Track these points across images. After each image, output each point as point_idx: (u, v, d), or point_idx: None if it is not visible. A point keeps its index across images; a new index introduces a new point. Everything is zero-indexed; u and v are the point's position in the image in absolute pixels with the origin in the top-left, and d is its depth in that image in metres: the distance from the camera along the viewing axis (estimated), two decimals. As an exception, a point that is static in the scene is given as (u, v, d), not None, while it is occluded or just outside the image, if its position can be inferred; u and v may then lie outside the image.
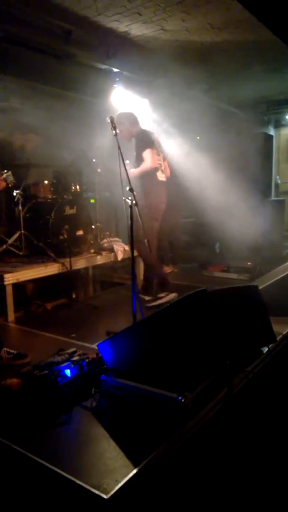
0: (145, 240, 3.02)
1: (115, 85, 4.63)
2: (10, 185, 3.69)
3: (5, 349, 2.52)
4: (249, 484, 1.89)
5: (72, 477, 1.50)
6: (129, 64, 4.63)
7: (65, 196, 4.14)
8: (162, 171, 3.81)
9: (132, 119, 3.77)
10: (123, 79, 4.67)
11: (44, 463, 1.58)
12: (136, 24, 4.01)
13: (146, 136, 3.73)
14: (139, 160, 3.68)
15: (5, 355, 2.50)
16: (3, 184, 3.47)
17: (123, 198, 2.65)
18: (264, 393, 2.33)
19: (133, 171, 3.56)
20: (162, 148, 3.94)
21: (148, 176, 3.63)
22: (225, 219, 4.29)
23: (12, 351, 2.52)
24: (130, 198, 2.61)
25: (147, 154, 3.63)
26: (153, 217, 3.63)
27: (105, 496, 1.40)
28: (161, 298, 3.53)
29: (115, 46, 4.37)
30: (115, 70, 4.60)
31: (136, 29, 4.12)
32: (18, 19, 3.73)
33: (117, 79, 4.63)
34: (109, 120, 2.73)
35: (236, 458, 1.99)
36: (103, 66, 4.50)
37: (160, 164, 3.80)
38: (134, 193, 2.64)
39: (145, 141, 3.69)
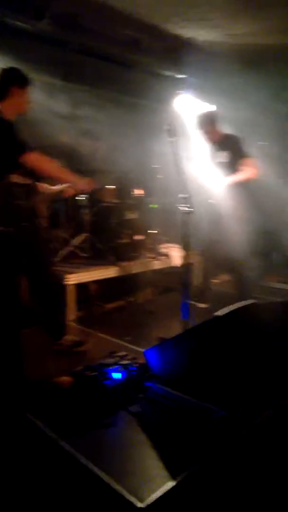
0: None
1: (179, 91, 4.63)
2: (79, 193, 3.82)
3: (65, 336, 2.78)
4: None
5: (110, 480, 1.53)
6: (195, 70, 4.62)
7: (127, 201, 4.23)
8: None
9: (216, 120, 3.76)
10: (189, 85, 4.67)
11: (85, 462, 1.63)
12: (203, 30, 4.01)
13: (241, 141, 3.69)
14: (233, 166, 3.62)
15: (65, 342, 2.77)
16: (72, 191, 3.57)
17: (176, 205, 2.66)
18: None
19: (235, 178, 3.55)
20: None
21: (247, 186, 3.61)
22: (284, 228, 4.09)
23: (71, 338, 2.77)
24: (184, 205, 2.61)
25: (251, 162, 3.59)
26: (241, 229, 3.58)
27: (140, 505, 1.41)
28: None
29: (182, 52, 4.39)
30: (180, 76, 4.61)
31: (203, 35, 4.12)
32: (90, 30, 3.90)
33: (182, 85, 4.64)
34: (167, 128, 2.74)
35: (278, 483, 1.90)
36: (169, 73, 4.54)
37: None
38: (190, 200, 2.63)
39: (242, 146, 3.64)
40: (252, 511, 1.74)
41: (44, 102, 4.31)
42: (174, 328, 3.00)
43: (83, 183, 2.87)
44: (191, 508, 1.57)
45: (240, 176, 3.57)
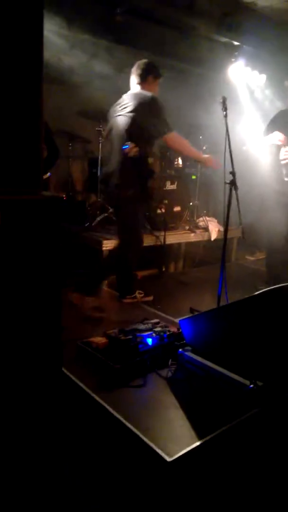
0: None
1: (233, 59, 4.47)
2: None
3: (137, 291, 3.20)
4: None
5: (141, 434, 1.66)
6: (251, 37, 4.41)
7: (168, 171, 4.22)
8: None
9: None
10: (243, 53, 4.48)
11: (119, 416, 1.77)
12: (264, -6, 3.79)
13: None
14: None
15: (139, 295, 3.19)
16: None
17: (224, 181, 2.65)
18: None
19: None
20: None
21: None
22: None
23: (141, 292, 3.22)
24: (230, 181, 2.60)
25: None
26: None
27: (168, 459, 1.53)
28: None
29: (239, 18, 4.19)
30: (235, 43, 4.43)
31: (263, 1, 3.90)
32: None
33: (237, 53, 4.47)
34: (221, 100, 2.70)
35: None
36: (224, 39, 4.37)
37: None
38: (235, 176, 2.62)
39: None
40: (268, 480, 1.84)
41: (92, 63, 4.27)
42: (205, 301, 3.07)
43: (212, 162, 3.21)
44: (214, 467, 1.69)
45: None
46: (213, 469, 1.74)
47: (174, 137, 2.97)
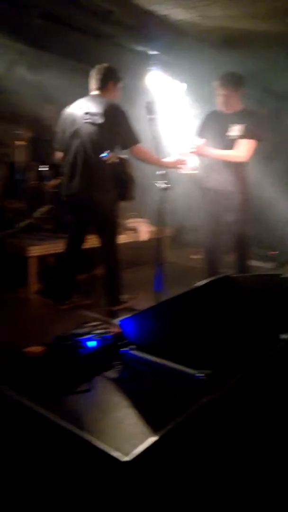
0: None
1: (150, 68, 4.62)
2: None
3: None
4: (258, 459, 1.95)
5: (93, 439, 1.58)
6: (167, 48, 4.61)
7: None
8: None
9: (242, 86, 3.38)
10: (161, 63, 4.66)
11: (65, 425, 1.67)
12: (177, 9, 3.99)
13: (262, 120, 3.43)
14: (224, 137, 3.33)
15: (125, 300, 3.18)
16: None
17: (154, 182, 2.70)
18: (280, 378, 2.37)
19: (218, 153, 3.30)
20: None
21: (245, 166, 3.41)
22: (254, 208, 4.26)
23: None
24: (161, 181, 2.65)
25: (251, 145, 3.26)
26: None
27: (124, 459, 1.48)
28: None
29: (155, 29, 4.36)
30: (152, 52, 4.59)
31: (176, 14, 4.10)
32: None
33: (154, 62, 4.63)
34: (146, 105, 2.76)
35: (251, 434, 2.06)
36: (141, 48, 4.50)
37: None
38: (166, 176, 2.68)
39: (260, 128, 3.30)
40: (228, 465, 1.88)
41: (7, 68, 4.13)
42: (142, 300, 3.08)
43: (181, 161, 3.25)
44: (175, 460, 1.67)
45: (220, 153, 3.31)
46: (173, 463, 1.73)
47: (142, 148, 2.99)
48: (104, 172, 2.93)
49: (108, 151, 2.89)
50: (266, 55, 4.91)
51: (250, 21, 4.10)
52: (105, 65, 3.15)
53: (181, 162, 3.22)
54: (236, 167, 3.26)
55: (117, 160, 2.88)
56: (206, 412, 1.80)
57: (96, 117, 2.90)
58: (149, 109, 2.75)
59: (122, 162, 3.00)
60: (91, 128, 2.90)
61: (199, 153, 3.21)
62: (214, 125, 3.37)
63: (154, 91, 4.52)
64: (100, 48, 4.45)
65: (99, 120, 2.88)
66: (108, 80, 3.06)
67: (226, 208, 3.28)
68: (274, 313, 2.36)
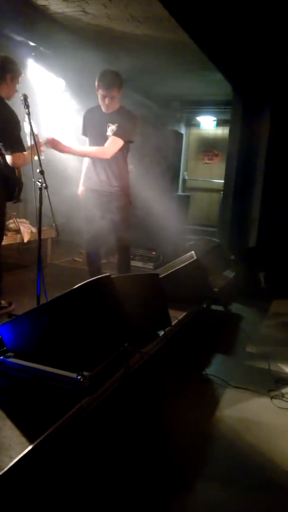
0: None
1: (31, 59, 4.44)
2: None
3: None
4: (139, 452, 2.06)
5: None
6: (46, 40, 4.48)
7: None
8: None
9: (122, 86, 3.27)
10: (40, 55, 4.50)
11: None
12: (56, 0, 3.89)
13: (131, 120, 3.30)
14: (104, 136, 3.27)
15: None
16: None
17: (33, 180, 2.61)
18: (159, 372, 2.53)
19: (78, 149, 3.26)
20: None
21: (124, 161, 3.39)
22: (133, 210, 4.42)
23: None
24: (40, 180, 2.58)
25: (115, 144, 3.19)
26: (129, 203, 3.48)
27: (-1, 473, 1.43)
28: None
29: (33, 19, 4.19)
30: (31, 44, 4.41)
31: (55, 6, 3.99)
32: None
33: (33, 53, 4.45)
34: (22, 98, 2.64)
35: (129, 430, 2.15)
36: (19, 38, 4.29)
37: None
38: (44, 175, 2.61)
39: (127, 126, 3.24)
40: (107, 467, 1.93)
41: None
42: (24, 305, 2.97)
43: (51, 141, 3.05)
44: (51, 469, 1.66)
45: (88, 149, 3.30)
46: (55, 469, 1.72)
47: (21, 156, 2.74)
48: None
49: None
50: (145, 58, 5.12)
51: (129, 23, 4.21)
52: (2, 55, 2.81)
53: (51, 140, 3.04)
54: (119, 168, 3.33)
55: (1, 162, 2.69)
56: (86, 414, 1.83)
57: None
58: (25, 103, 2.64)
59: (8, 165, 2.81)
60: None
61: (54, 147, 3.14)
62: (95, 123, 3.39)
63: (33, 83, 4.38)
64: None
65: None
66: (6, 73, 2.72)
67: (107, 208, 3.33)
68: (152, 311, 2.50)
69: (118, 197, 3.37)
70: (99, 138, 3.30)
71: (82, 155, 3.42)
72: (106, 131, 3.29)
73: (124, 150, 3.36)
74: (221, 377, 2.86)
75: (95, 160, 3.36)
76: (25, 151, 2.73)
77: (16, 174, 2.88)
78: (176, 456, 2.08)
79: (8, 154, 2.69)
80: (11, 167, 2.77)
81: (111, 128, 3.27)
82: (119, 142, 3.21)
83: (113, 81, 3.20)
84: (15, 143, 2.68)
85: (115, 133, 3.22)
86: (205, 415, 2.44)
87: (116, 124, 3.25)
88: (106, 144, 3.22)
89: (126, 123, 3.26)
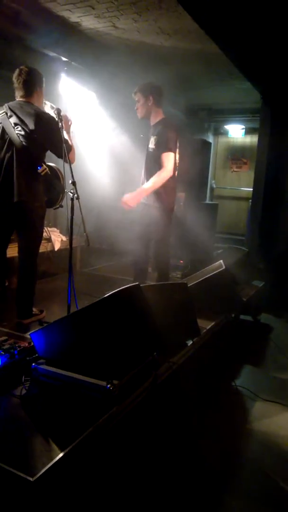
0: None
1: (63, 74, 4.58)
2: None
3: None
4: (172, 464, 2.05)
5: (-1, 462, 1.54)
6: (78, 55, 4.61)
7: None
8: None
9: (158, 94, 3.32)
10: (71, 70, 4.64)
11: None
12: (88, 17, 4.01)
13: (174, 131, 3.27)
14: (156, 158, 3.27)
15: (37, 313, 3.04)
16: None
17: (65, 190, 2.68)
18: (187, 382, 2.52)
19: (149, 185, 3.24)
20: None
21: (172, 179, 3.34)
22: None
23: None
24: (72, 191, 2.65)
25: (171, 158, 3.18)
26: (170, 219, 3.48)
27: (31, 479, 1.46)
28: None
29: (65, 35, 4.33)
30: (64, 59, 4.55)
31: (87, 22, 4.12)
32: None
33: (65, 68, 4.59)
34: (55, 112, 2.74)
35: (158, 440, 2.15)
36: (52, 54, 4.44)
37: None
38: (76, 186, 2.67)
39: (172, 138, 3.20)
40: (139, 474, 1.93)
41: None
42: (55, 313, 3.04)
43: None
44: (82, 475, 1.68)
45: (148, 186, 3.25)
46: (85, 477, 1.74)
47: (72, 155, 2.91)
48: (37, 182, 2.80)
49: (42, 163, 2.78)
50: (173, 69, 5.17)
51: (158, 36, 4.28)
52: (31, 67, 2.87)
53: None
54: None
55: (49, 172, 2.79)
56: (115, 422, 1.85)
57: (26, 127, 2.68)
58: (58, 117, 2.73)
59: (54, 172, 2.91)
60: (22, 139, 2.72)
61: (132, 205, 3.20)
62: (146, 138, 3.44)
63: (66, 97, 4.50)
64: (10, 51, 4.29)
65: (31, 130, 2.68)
66: (36, 85, 2.85)
67: (150, 223, 3.37)
68: (180, 320, 2.50)
69: (157, 213, 3.37)
70: (146, 152, 3.38)
71: (154, 189, 3.32)
72: (149, 143, 3.34)
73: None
74: (251, 389, 2.81)
75: (145, 175, 3.42)
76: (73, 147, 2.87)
77: (61, 181, 2.98)
78: (206, 469, 2.06)
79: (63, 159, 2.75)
80: (57, 174, 2.87)
81: (152, 140, 3.30)
82: (171, 156, 3.21)
83: (138, 87, 3.31)
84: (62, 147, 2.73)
85: (162, 149, 3.22)
86: (235, 428, 2.41)
87: (156, 137, 3.27)
88: (163, 164, 3.21)
89: (165, 134, 3.25)
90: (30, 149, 2.71)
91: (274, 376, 3.16)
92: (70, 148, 2.81)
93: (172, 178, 3.32)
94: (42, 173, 2.78)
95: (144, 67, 4.97)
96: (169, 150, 3.22)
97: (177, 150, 3.33)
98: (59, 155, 2.70)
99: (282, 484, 1.98)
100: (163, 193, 3.33)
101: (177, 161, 3.34)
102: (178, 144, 3.35)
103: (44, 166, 2.80)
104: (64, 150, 2.62)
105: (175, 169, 3.28)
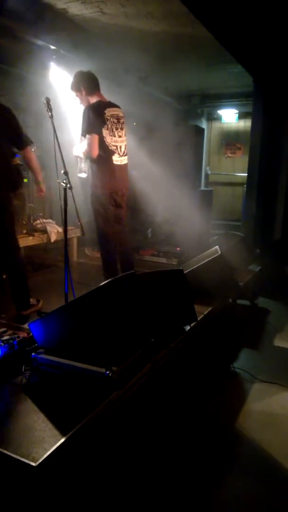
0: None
1: (52, 63, 4.52)
2: None
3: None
4: (173, 447, 2.09)
5: (1, 448, 1.56)
6: (66, 43, 4.54)
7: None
8: (119, 153, 3.42)
9: (88, 84, 3.36)
10: (60, 58, 4.58)
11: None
12: (75, 3, 3.94)
13: (97, 114, 3.26)
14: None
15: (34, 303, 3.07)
16: None
17: (57, 181, 2.67)
18: (186, 367, 2.55)
19: (78, 150, 3.38)
20: (121, 125, 3.46)
21: (99, 160, 3.32)
22: (157, 207, 4.44)
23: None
24: (64, 181, 2.64)
25: (90, 141, 3.22)
26: (104, 204, 3.40)
27: (33, 464, 1.49)
28: None
29: (53, 22, 4.26)
30: (52, 47, 4.49)
31: (74, 8, 4.05)
32: None
33: (54, 56, 4.53)
34: (45, 101, 2.71)
35: (159, 424, 2.19)
36: (40, 42, 4.38)
37: (117, 147, 3.39)
38: (69, 176, 2.67)
39: (92, 122, 3.21)
40: (140, 457, 1.97)
41: None
42: (53, 303, 3.05)
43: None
44: (84, 460, 1.71)
45: (80, 149, 3.38)
46: (87, 462, 1.77)
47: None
48: (12, 171, 2.89)
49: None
50: (164, 55, 5.11)
51: (147, 21, 4.22)
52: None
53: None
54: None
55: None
56: (115, 408, 1.88)
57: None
58: (48, 106, 2.71)
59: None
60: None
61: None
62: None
63: (56, 87, 4.45)
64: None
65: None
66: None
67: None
68: (177, 306, 2.52)
69: (91, 199, 3.45)
70: None
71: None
72: None
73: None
74: (249, 371, 2.85)
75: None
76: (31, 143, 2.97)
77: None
78: (206, 450, 2.10)
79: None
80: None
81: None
82: (85, 140, 3.28)
83: (70, 83, 3.42)
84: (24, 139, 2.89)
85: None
86: (234, 409, 2.45)
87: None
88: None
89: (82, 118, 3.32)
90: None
91: (272, 357, 3.20)
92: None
93: (97, 160, 3.32)
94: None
95: (134, 53, 4.90)
96: (82, 134, 3.32)
97: (105, 126, 3.32)
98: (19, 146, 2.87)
99: (282, 461, 2.02)
100: (93, 178, 3.42)
101: (106, 139, 3.32)
102: (105, 121, 3.32)
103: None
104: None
105: (94, 150, 3.25)
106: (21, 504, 1.52)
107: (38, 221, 4.33)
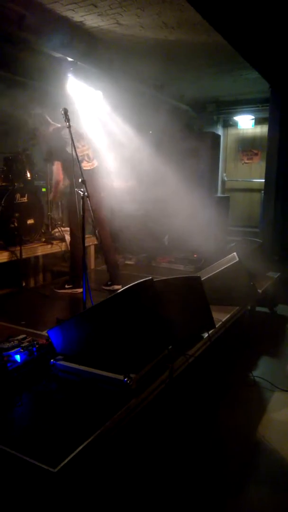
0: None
1: (69, 75, 4.61)
2: None
3: None
4: (187, 455, 2.07)
5: (21, 454, 1.58)
6: (83, 54, 4.63)
7: (16, 184, 4.10)
8: (87, 160, 3.81)
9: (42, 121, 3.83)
10: (77, 69, 4.67)
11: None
12: (91, 15, 4.03)
13: (57, 139, 3.66)
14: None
15: None
16: None
17: (75, 189, 2.71)
18: (203, 375, 2.53)
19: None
20: (85, 137, 3.91)
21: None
22: (174, 213, 4.45)
23: None
24: (82, 189, 2.68)
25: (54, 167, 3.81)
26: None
27: (53, 470, 1.50)
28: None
29: (70, 35, 4.35)
30: (69, 59, 4.58)
31: (91, 20, 4.14)
32: None
33: (71, 68, 4.62)
34: (62, 112, 2.77)
35: (177, 432, 2.17)
36: (57, 55, 4.47)
37: (84, 155, 3.80)
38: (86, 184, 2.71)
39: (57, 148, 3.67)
40: (157, 464, 1.96)
41: None
42: (71, 310, 3.09)
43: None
44: (103, 466, 1.72)
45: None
46: (106, 468, 1.77)
47: None
48: None
49: None
50: (179, 63, 5.15)
51: (162, 30, 4.27)
52: None
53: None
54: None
55: None
56: (134, 415, 1.88)
57: None
58: (65, 117, 2.76)
59: None
60: None
61: None
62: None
63: (74, 98, 4.54)
64: (17, 54, 4.34)
65: None
66: None
67: None
68: (195, 313, 2.51)
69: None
70: None
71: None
72: None
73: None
74: (268, 379, 2.81)
75: None
76: None
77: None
78: (225, 459, 2.08)
79: None
80: None
81: None
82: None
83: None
84: None
85: None
86: (253, 418, 2.42)
87: None
88: None
89: None
90: None
91: (292, 366, 3.15)
92: None
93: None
94: None
95: (149, 62, 4.96)
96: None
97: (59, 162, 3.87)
98: None
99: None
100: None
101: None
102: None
103: None
104: None
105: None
106: (40, 509, 1.53)
107: (56, 230, 4.39)
